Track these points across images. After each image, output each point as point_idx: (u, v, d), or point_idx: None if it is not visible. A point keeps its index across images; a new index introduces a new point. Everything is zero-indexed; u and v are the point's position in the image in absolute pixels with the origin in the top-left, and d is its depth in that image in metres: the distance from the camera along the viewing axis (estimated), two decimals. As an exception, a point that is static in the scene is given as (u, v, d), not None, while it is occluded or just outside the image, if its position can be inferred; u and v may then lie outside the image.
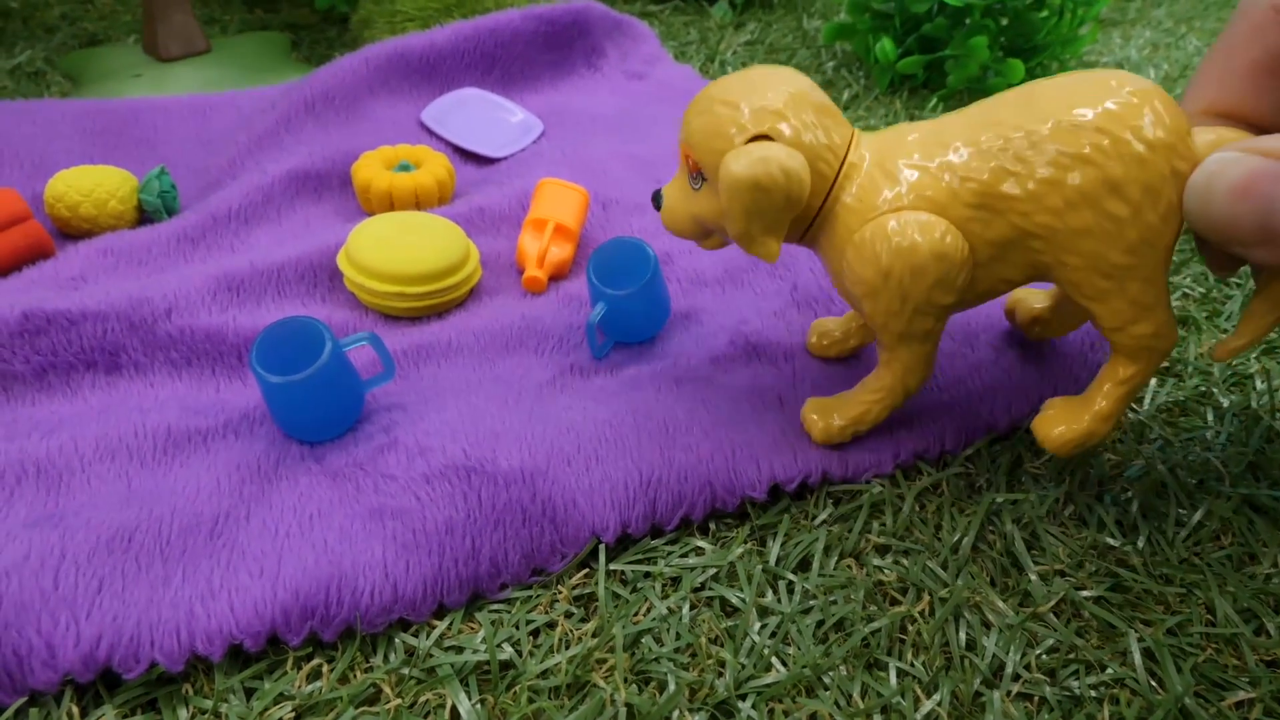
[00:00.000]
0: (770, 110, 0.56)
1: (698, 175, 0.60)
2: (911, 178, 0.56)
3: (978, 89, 1.32)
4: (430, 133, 1.12)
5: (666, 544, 0.66)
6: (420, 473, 0.66)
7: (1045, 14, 1.29)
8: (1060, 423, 0.62)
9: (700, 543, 0.66)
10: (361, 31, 1.39)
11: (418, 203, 0.97)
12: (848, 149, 0.58)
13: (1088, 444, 0.62)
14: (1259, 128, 0.57)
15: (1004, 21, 1.30)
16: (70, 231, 0.93)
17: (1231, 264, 0.57)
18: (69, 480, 0.66)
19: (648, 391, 0.74)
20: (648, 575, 0.63)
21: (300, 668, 0.57)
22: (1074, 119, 0.53)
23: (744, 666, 0.57)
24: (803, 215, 0.59)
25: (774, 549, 0.64)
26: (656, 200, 0.65)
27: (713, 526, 0.67)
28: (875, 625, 0.60)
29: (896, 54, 1.31)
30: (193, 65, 1.31)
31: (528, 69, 1.24)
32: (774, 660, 0.58)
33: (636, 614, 0.61)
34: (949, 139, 0.57)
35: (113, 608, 0.56)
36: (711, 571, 0.63)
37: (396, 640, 0.58)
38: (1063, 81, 0.55)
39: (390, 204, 0.96)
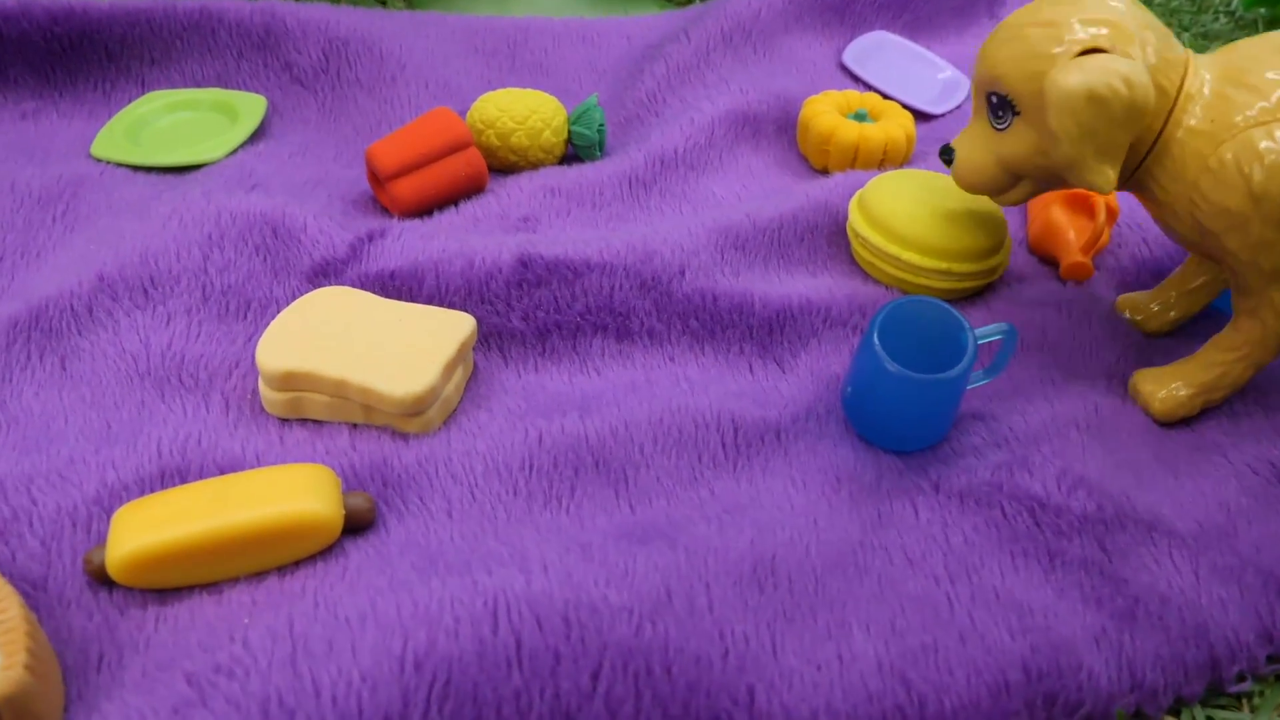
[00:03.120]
0: (1100, 20, 0.51)
1: (1004, 109, 0.54)
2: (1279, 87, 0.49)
3: None
4: (852, 76, 0.96)
5: None
6: (1081, 510, 0.51)
7: None
8: None
9: None
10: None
11: (884, 159, 0.82)
12: (1185, 70, 0.52)
13: None
14: None
15: None
16: (492, 163, 0.81)
17: None
18: (634, 477, 0.53)
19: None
20: None
21: (1035, 774, 0.43)
22: None
23: None
24: (1135, 147, 0.53)
25: None
26: (947, 154, 0.59)
27: None
28: None
29: (1368, 23, 1.11)
30: (539, -13, 1.18)
31: (935, 15, 1.08)
32: None
33: None
34: None
35: (805, 671, 0.42)
36: None
37: (1136, 743, 0.44)
38: None
39: (853, 158, 0.81)
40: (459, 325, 0.59)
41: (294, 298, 0.64)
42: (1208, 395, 0.57)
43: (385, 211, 0.76)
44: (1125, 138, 0.50)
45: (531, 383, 0.60)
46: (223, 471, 0.53)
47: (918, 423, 0.54)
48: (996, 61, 0.54)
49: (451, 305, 0.63)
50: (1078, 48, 0.51)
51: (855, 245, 0.69)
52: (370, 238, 0.66)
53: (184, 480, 0.52)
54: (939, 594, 0.47)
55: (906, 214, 0.66)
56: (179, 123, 0.83)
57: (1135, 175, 0.54)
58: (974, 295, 0.69)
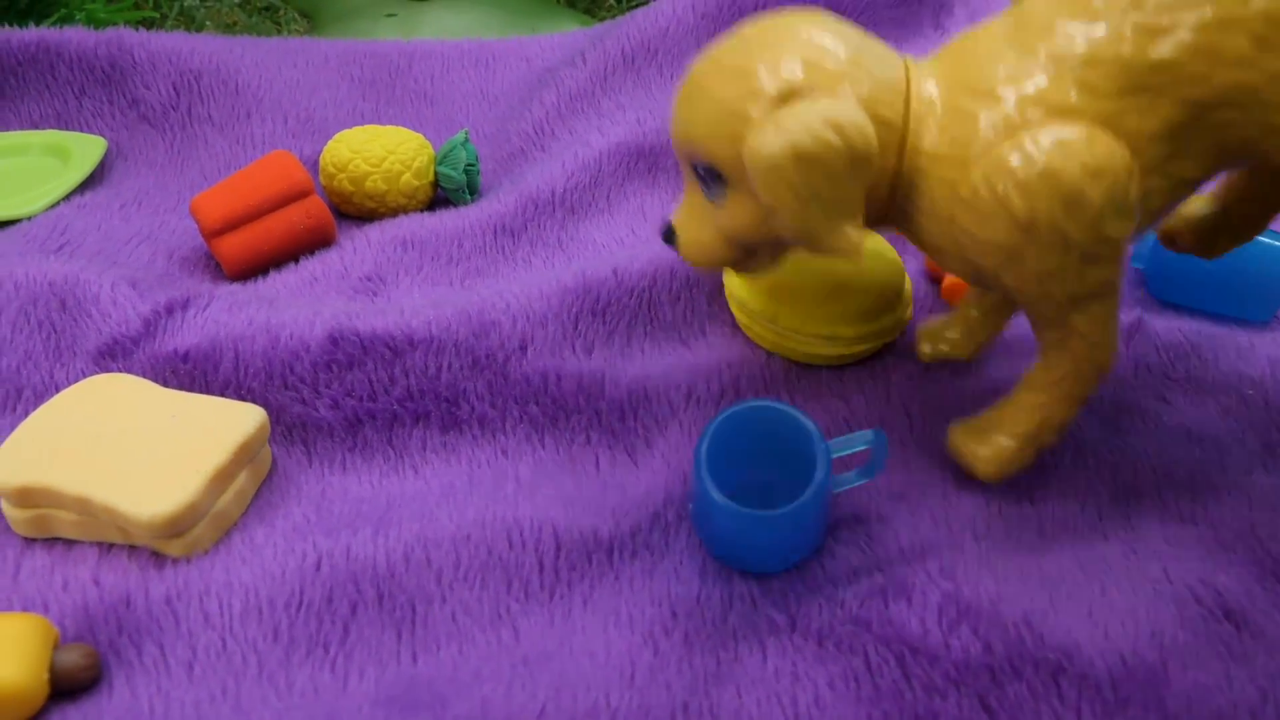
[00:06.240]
0: (793, 61, 0.42)
1: (714, 180, 0.45)
2: (1019, 87, 0.41)
3: None
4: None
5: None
6: (962, 654, 0.41)
7: None
8: None
9: None
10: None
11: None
12: (907, 84, 0.43)
13: None
14: None
15: None
16: (349, 209, 0.72)
17: None
18: (425, 615, 0.44)
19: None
20: None
21: None
22: None
23: None
24: (875, 186, 0.44)
25: None
26: (669, 235, 0.49)
27: None
28: None
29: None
30: (450, 7, 1.09)
31: (871, 26, 0.98)
32: None
33: None
34: (1047, 19, 0.42)
35: None
36: None
37: None
38: None
39: (757, 197, 0.72)
40: (241, 422, 0.49)
41: (76, 383, 0.55)
42: (1037, 443, 0.48)
43: (219, 270, 0.67)
44: (857, 189, 0.42)
45: (333, 486, 0.51)
46: (-69, 614, 0.44)
47: (767, 551, 0.45)
48: (689, 125, 0.44)
49: (250, 391, 0.54)
50: (772, 97, 0.42)
51: (731, 304, 0.60)
52: (170, 310, 0.57)
53: (-120, 628, 0.43)
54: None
55: (781, 267, 0.57)
56: (3, 171, 0.74)
57: (888, 216, 0.46)
58: (885, 353, 0.60)
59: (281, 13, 1.12)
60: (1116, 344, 0.46)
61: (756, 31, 0.44)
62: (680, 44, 0.87)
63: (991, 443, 0.48)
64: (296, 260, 0.67)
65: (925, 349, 0.56)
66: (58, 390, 0.55)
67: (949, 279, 0.62)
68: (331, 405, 0.53)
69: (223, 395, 0.54)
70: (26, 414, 0.54)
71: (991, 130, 0.41)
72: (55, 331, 0.57)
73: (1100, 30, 0.40)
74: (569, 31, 0.98)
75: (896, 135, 0.43)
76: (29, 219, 0.69)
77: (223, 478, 0.48)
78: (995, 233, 0.41)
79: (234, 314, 0.57)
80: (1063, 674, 0.41)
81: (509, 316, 0.56)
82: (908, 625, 0.43)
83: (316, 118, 0.80)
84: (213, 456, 0.47)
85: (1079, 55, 0.40)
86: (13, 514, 0.48)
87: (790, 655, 0.43)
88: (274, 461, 0.53)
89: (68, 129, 0.79)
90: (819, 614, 0.44)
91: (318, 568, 0.45)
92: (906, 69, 0.44)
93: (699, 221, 0.47)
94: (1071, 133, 0.40)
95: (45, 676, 0.40)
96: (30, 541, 0.48)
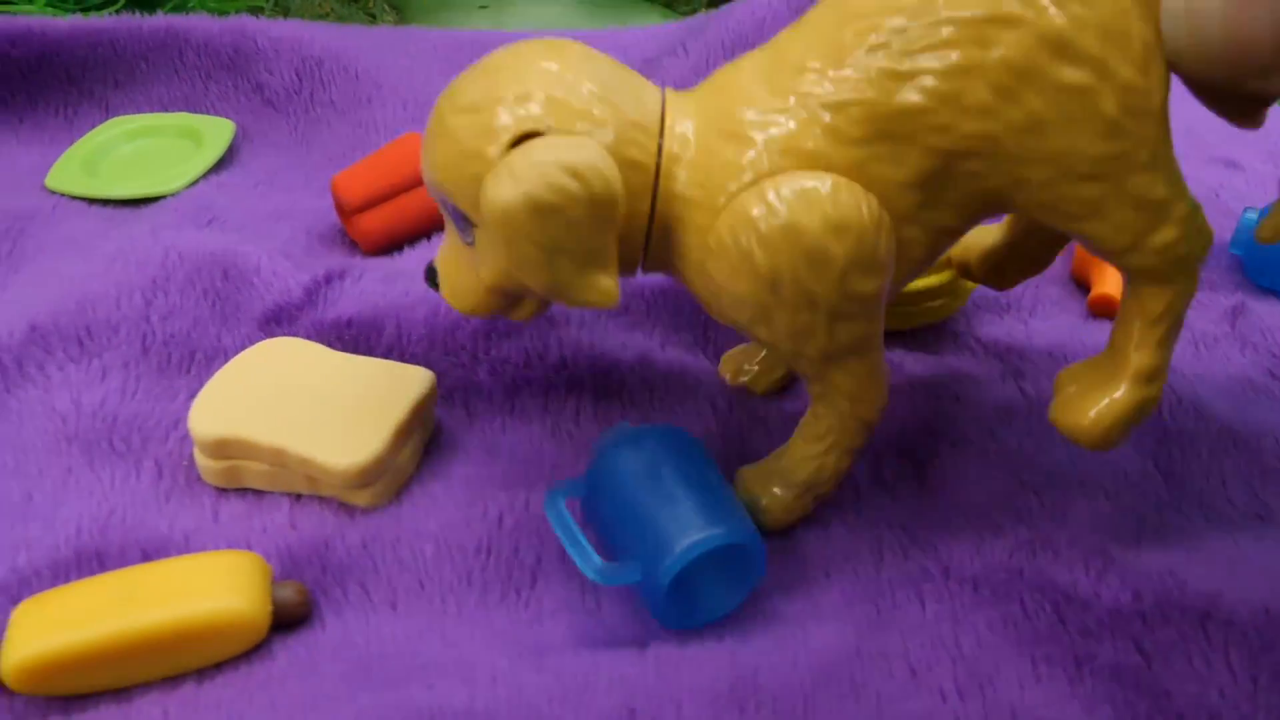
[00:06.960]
0: (530, 94, 0.39)
1: (463, 221, 0.41)
2: (766, 130, 0.39)
3: None
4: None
5: None
6: (1113, 601, 0.44)
7: None
8: (1091, 401, 0.44)
9: None
10: (717, -33, 1.17)
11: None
12: (662, 121, 0.41)
13: (1139, 419, 0.44)
14: None
15: None
16: (471, 192, 0.75)
17: (1254, 108, 0.40)
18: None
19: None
20: None
21: None
22: None
23: None
24: (630, 232, 0.41)
25: None
26: (431, 277, 0.46)
27: None
28: None
29: None
30: (537, 0, 1.12)
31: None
32: None
33: None
34: (800, 59, 0.39)
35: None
36: None
37: None
38: None
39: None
40: (415, 383, 0.53)
41: (244, 347, 0.58)
42: (815, 492, 0.47)
43: (354, 246, 0.70)
44: (605, 235, 0.39)
45: (497, 447, 0.54)
46: (145, 554, 0.47)
47: None
48: (432, 163, 0.41)
49: (413, 356, 0.57)
50: (509, 136, 0.38)
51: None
52: (328, 279, 0.61)
53: (101, 564, 0.47)
54: (946, 713, 0.40)
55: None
56: (140, 150, 0.78)
57: (648, 261, 0.43)
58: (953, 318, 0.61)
59: (372, 3, 1.16)
60: (882, 398, 0.45)
61: (498, 61, 0.41)
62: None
63: (769, 492, 0.47)
64: (429, 237, 0.70)
65: (727, 377, 0.56)
66: (227, 354, 0.58)
67: (1097, 289, 0.63)
68: (490, 372, 0.57)
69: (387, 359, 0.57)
70: (201, 375, 0.57)
71: (738, 176, 0.39)
72: (220, 299, 0.60)
73: (848, 74, 0.38)
74: (664, 24, 1.01)
75: (648, 177, 0.40)
76: (172, 195, 0.72)
77: (403, 433, 0.51)
78: (741, 287, 0.40)
79: (390, 284, 0.60)
80: (1209, 620, 0.44)
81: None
82: (1057, 575, 0.46)
83: (431, 104, 0.82)
84: (394, 412, 0.51)
85: (826, 98, 0.39)
86: (206, 464, 0.51)
87: (948, 602, 0.45)
88: (438, 423, 0.56)
89: (196, 112, 0.83)
90: (970, 562, 0.47)
91: (500, 521, 0.48)
92: (664, 103, 0.41)
93: (458, 265, 0.44)
94: (815, 182, 0.38)
95: (269, 608, 0.43)
96: (223, 490, 0.51)
